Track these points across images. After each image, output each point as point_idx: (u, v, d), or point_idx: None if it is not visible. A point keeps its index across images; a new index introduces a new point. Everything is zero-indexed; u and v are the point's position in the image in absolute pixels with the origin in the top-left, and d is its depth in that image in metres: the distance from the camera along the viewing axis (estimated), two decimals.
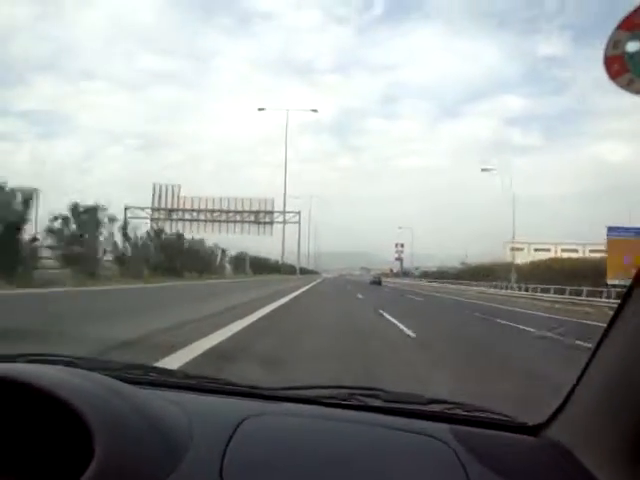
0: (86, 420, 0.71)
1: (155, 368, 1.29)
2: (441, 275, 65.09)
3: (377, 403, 1.09)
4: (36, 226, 15.71)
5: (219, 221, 40.05)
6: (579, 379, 0.89)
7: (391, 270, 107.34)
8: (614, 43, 0.79)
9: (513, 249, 37.30)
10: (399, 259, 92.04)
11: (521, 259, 42.82)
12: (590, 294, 23.15)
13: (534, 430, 0.99)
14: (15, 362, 1.06)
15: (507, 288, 32.83)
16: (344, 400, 1.09)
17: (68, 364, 1.07)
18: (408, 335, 8.58)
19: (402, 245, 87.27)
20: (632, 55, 0.79)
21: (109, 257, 20.63)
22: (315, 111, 42.68)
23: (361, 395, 1.12)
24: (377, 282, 56.21)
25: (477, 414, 1.08)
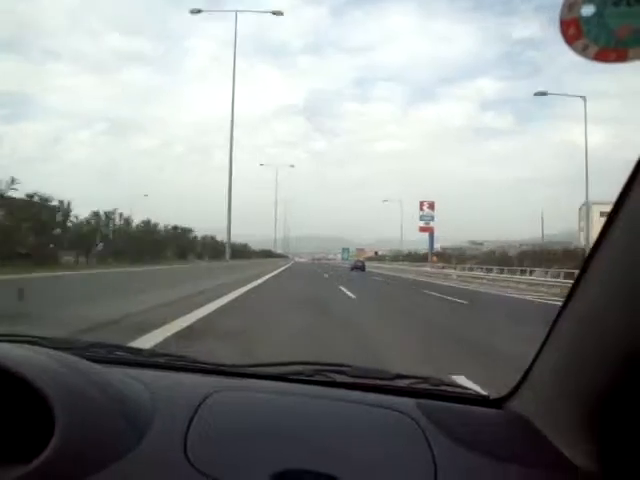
0: (46, 396, 0.71)
1: (120, 347, 1.29)
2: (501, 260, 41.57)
3: (343, 379, 1.10)
4: None
5: None
6: (539, 352, 0.93)
7: (376, 253, 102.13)
8: (569, 6, 0.79)
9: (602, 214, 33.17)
10: (427, 229, 55.16)
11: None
12: None
13: (497, 403, 1.04)
14: None
15: None
16: (310, 376, 1.11)
17: (32, 343, 1.07)
18: None
19: (431, 206, 54.84)
20: (587, 19, 0.80)
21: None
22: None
23: (327, 371, 1.13)
24: (359, 267, 49.61)
25: (443, 388, 1.12)
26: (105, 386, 0.83)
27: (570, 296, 0.82)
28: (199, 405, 0.87)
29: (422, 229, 55.60)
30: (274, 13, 27.26)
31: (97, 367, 0.90)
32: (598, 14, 0.78)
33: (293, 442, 0.83)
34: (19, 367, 0.75)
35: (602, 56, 0.80)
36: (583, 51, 0.80)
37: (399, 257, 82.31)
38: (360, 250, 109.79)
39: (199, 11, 26.65)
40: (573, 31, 0.79)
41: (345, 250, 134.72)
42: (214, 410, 0.87)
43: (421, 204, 55.59)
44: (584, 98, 28.22)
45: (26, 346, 0.94)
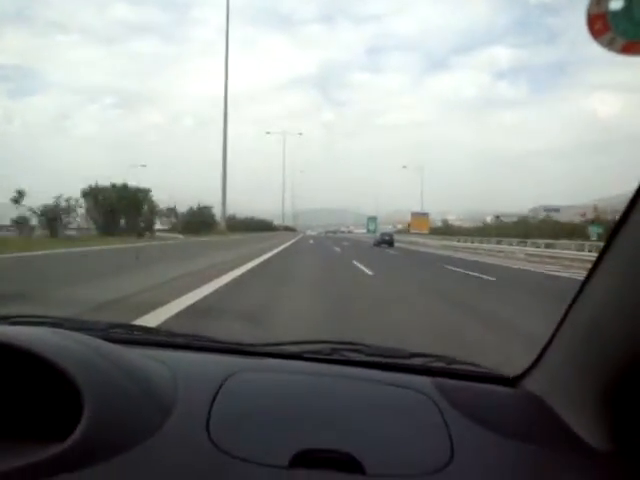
0: (73, 379, 0.74)
1: (140, 327, 1.32)
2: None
3: (360, 357, 1.13)
4: None
5: None
6: (555, 332, 0.95)
7: (409, 225, 72.28)
8: (598, 1, 0.81)
9: None
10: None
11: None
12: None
13: (512, 381, 1.06)
14: None
15: None
16: (327, 355, 1.14)
17: (53, 325, 1.10)
18: None
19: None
20: (615, 13, 0.81)
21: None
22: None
23: (344, 350, 1.16)
24: (386, 241, 39.75)
25: (458, 367, 1.14)
26: (129, 368, 0.86)
27: (589, 277, 0.83)
28: (220, 385, 0.89)
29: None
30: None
31: (120, 348, 0.93)
32: (626, 8, 0.80)
33: (313, 421, 0.85)
34: (46, 351, 0.77)
35: (629, 49, 0.82)
36: (609, 45, 0.82)
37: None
38: (417, 216, 69.15)
39: None
40: (600, 25, 0.81)
41: (371, 220, 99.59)
42: (235, 390, 0.90)
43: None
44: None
45: (50, 329, 0.96)
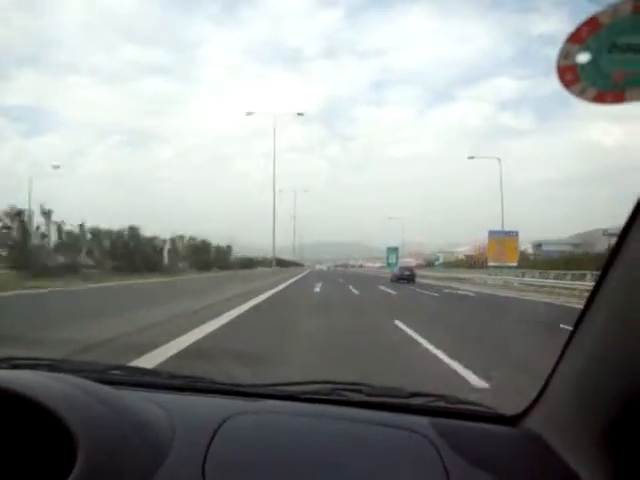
0: (68, 425, 0.75)
1: (138, 369, 1.34)
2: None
3: (360, 398, 1.13)
4: None
5: None
6: (554, 369, 0.95)
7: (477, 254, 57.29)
8: (565, 54, 0.85)
9: None
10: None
11: None
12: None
13: (513, 420, 1.05)
14: None
15: None
16: (327, 395, 1.13)
17: (51, 367, 1.12)
18: None
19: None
20: (583, 66, 0.85)
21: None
22: (301, 114, 42.19)
23: (344, 390, 1.15)
24: (406, 277, 33.01)
25: (458, 406, 1.13)
26: (125, 413, 0.86)
27: (584, 312, 0.83)
28: (217, 430, 0.90)
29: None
30: (299, 114, 34.37)
31: (116, 392, 0.94)
32: (594, 60, 0.84)
33: (310, 466, 0.85)
34: (41, 396, 0.78)
35: (600, 98, 0.86)
36: (581, 94, 0.86)
37: (452, 262, 67.88)
38: (498, 237, 35.93)
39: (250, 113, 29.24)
40: (570, 76, 0.85)
41: (392, 252, 79.23)
42: (232, 434, 0.90)
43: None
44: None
45: (46, 373, 0.97)
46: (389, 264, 72.94)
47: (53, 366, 1.15)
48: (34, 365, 1.16)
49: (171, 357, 5.53)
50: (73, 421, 0.76)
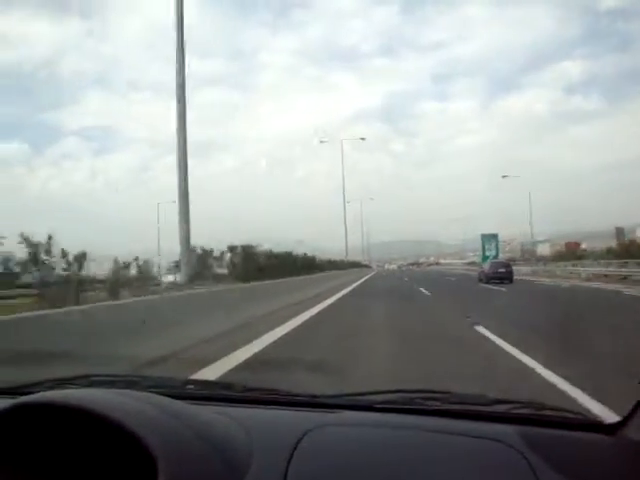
0: (148, 445, 0.75)
1: (214, 383, 1.39)
2: None
3: (440, 406, 1.09)
4: None
5: None
6: None
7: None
8: None
9: None
10: None
11: None
12: None
13: (611, 429, 0.96)
14: (77, 385, 1.17)
15: None
16: (405, 405, 1.10)
17: (129, 383, 1.16)
18: None
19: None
20: None
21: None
22: (363, 139, 42.87)
23: (422, 398, 1.12)
24: (503, 276, 26.10)
25: (547, 413, 1.05)
26: (204, 430, 0.85)
27: None
28: (297, 444, 0.88)
29: None
30: (361, 139, 31.20)
31: (194, 408, 0.95)
32: None
33: (396, 479, 0.82)
34: (120, 416, 0.79)
35: None
36: None
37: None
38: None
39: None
40: None
41: (489, 239, 59.83)
42: (312, 449, 0.88)
43: None
44: None
45: (125, 391, 0.99)
46: (485, 258, 52.80)
47: (131, 382, 1.18)
48: (112, 382, 1.19)
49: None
50: (152, 440, 0.76)
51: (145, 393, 0.97)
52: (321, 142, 39.11)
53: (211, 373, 4.94)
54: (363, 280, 34.04)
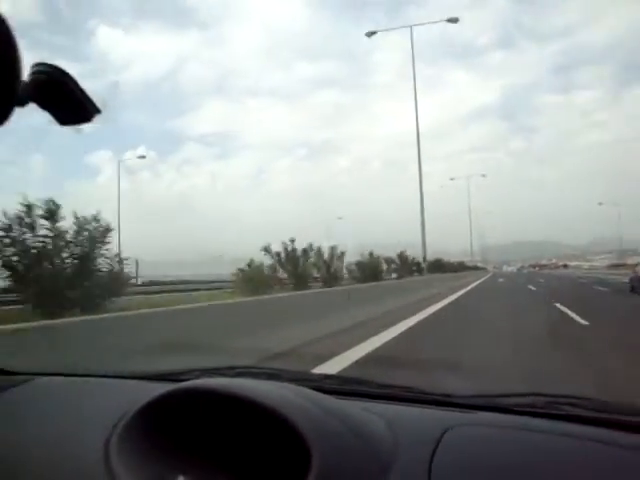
0: (303, 435, 0.79)
1: (351, 378, 1.39)
2: None
3: (579, 412, 1.03)
4: None
5: None
6: None
7: None
8: None
9: None
10: None
11: None
12: None
13: None
14: (224, 375, 1.24)
15: None
16: (542, 408, 1.06)
17: (270, 376, 1.21)
18: None
19: None
20: None
21: None
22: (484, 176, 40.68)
23: (561, 403, 1.07)
24: None
25: None
26: (349, 422, 0.88)
27: None
28: (439, 442, 0.88)
29: None
30: (449, 20, 26.88)
31: (337, 400, 0.97)
32: None
33: None
34: (277, 406, 0.83)
35: None
36: None
37: None
38: None
39: (373, 33, 27.51)
40: None
41: None
42: (453, 447, 0.88)
43: None
44: None
45: (273, 382, 1.04)
46: None
47: (272, 375, 1.24)
48: (255, 374, 1.26)
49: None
50: (306, 430, 0.79)
51: (295, 386, 1.00)
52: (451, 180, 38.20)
53: (336, 366, 5.29)
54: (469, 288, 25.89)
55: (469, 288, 25.78)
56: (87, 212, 9.21)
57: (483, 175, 61.21)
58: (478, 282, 32.72)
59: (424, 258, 28.59)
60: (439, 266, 37.97)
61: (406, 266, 31.71)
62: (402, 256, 32.05)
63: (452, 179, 59.90)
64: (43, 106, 0.46)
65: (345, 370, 5.12)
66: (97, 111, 0.51)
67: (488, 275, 53.97)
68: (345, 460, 0.79)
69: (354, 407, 0.99)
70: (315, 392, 0.97)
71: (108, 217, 9.93)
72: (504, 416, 1.07)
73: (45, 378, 1.36)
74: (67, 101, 0.48)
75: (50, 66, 0.46)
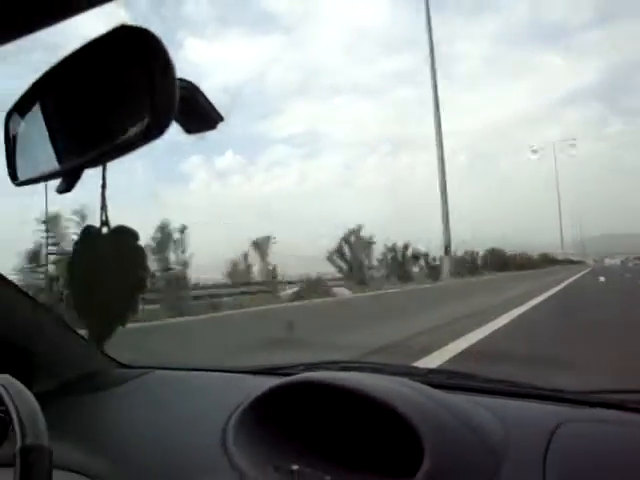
0: (414, 427, 0.79)
1: (457, 372, 1.36)
2: None
3: None
4: None
5: None
6: None
7: None
8: None
9: None
10: None
11: None
12: None
13: None
14: (329, 369, 1.27)
15: None
16: None
17: (375, 370, 1.23)
18: None
19: None
20: None
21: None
22: (573, 144, 37.43)
23: None
24: None
25: None
26: (461, 415, 0.88)
27: None
28: (552, 436, 0.88)
29: None
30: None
31: (446, 394, 0.97)
32: None
33: None
34: (390, 399, 0.84)
35: None
36: None
37: None
38: None
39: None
40: None
41: None
42: (566, 442, 0.87)
43: None
44: None
45: (377, 375, 1.04)
46: None
47: (376, 369, 1.25)
48: (360, 368, 1.27)
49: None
50: (418, 422, 0.80)
51: (406, 379, 1.02)
52: (533, 152, 35.77)
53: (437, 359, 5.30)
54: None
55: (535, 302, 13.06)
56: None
57: (572, 142, 52.54)
58: (556, 288, 18.84)
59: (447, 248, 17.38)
60: (502, 263, 27.14)
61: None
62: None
63: (534, 150, 53.34)
64: (175, 118, 0.51)
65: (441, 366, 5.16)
66: (221, 119, 0.55)
67: (584, 271, 44.04)
68: (458, 453, 0.80)
69: (462, 400, 0.99)
70: (423, 385, 0.98)
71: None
72: (619, 412, 1.05)
73: (162, 371, 1.42)
74: (197, 112, 0.52)
75: (183, 81, 0.50)
